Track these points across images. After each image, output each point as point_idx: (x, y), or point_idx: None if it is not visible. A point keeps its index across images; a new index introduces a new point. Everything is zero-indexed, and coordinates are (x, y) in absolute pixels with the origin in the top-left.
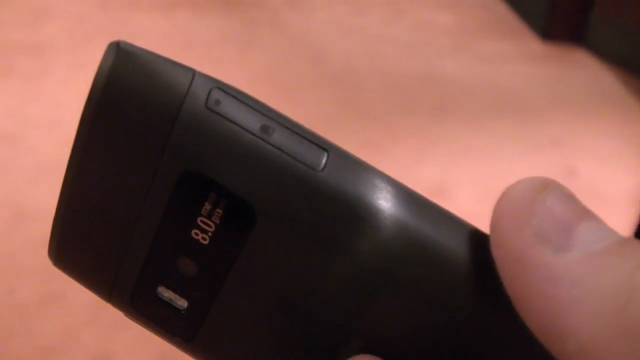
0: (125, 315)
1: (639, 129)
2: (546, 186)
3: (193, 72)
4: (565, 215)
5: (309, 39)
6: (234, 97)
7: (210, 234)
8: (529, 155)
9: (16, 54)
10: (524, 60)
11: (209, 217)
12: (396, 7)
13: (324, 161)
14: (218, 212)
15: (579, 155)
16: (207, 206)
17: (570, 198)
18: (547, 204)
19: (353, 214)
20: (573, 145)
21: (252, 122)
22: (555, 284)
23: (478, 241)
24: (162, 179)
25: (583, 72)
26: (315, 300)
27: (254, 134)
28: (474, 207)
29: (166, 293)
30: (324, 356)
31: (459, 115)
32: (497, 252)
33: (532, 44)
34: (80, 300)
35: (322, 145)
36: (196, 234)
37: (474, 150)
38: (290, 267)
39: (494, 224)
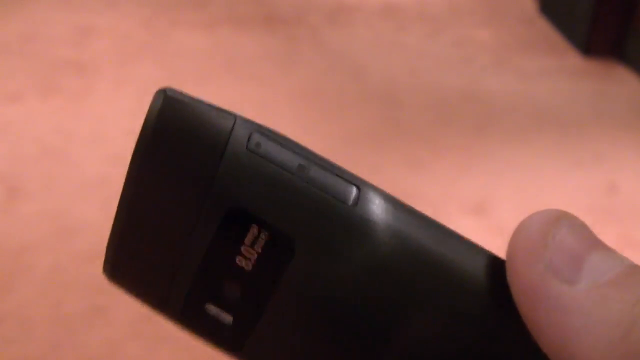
0: (176, 326)
1: None
2: (559, 219)
3: (235, 116)
4: (575, 247)
5: (350, 56)
6: (272, 139)
7: (253, 261)
8: (570, 171)
9: (62, 71)
10: (565, 76)
11: (251, 246)
12: (437, 24)
13: (354, 196)
14: (260, 242)
15: (620, 171)
16: (250, 237)
17: (581, 229)
18: (559, 237)
19: (381, 242)
20: (614, 161)
21: (289, 162)
22: (565, 313)
23: (496, 267)
24: (209, 213)
25: (625, 87)
26: (350, 316)
27: (291, 173)
28: (514, 223)
29: (213, 310)
30: None
31: (500, 131)
32: (513, 282)
33: (573, 59)
34: (124, 314)
35: (353, 181)
36: (240, 260)
37: (515, 166)
38: (326, 290)
39: (509, 256)
